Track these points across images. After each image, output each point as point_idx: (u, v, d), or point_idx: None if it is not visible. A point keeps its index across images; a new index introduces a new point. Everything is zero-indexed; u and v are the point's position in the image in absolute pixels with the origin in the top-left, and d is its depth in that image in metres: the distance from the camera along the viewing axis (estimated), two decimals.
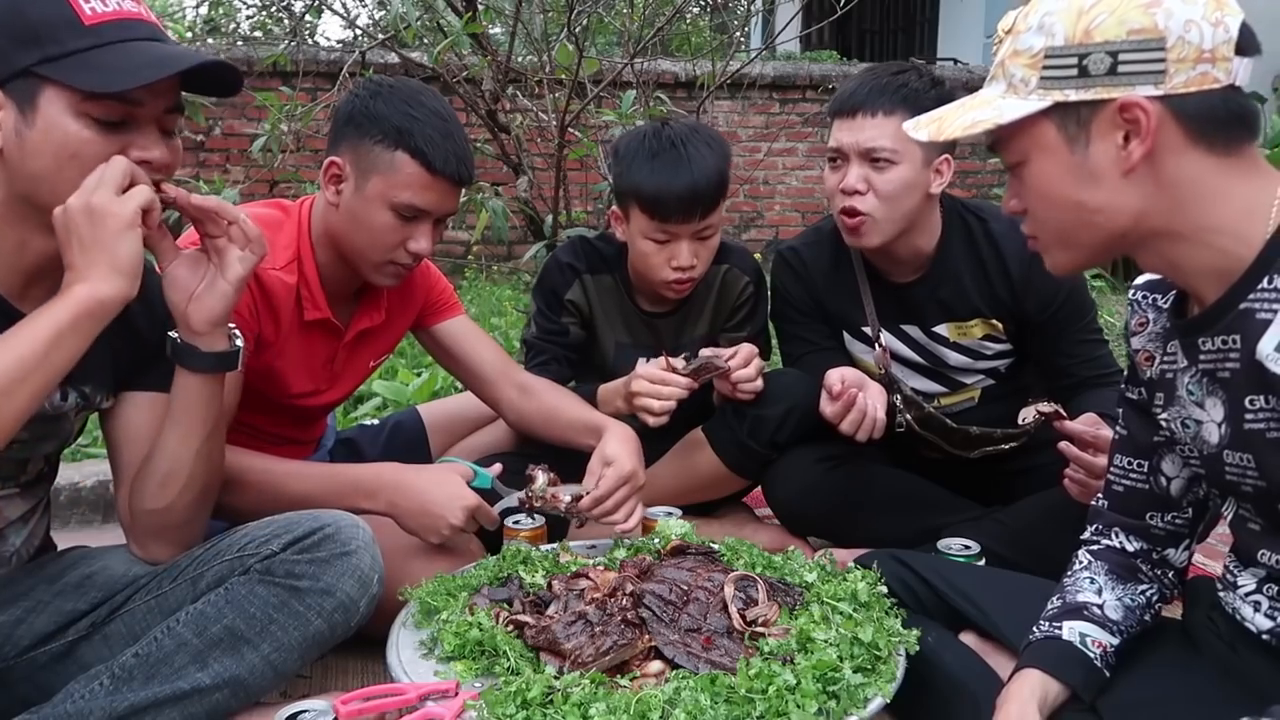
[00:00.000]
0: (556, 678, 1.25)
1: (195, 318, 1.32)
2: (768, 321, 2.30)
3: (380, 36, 5.30)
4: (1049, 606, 1.30)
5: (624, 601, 1.40)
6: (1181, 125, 1.03)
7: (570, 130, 4.15)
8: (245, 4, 7.42)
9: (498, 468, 1.80)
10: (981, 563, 1.68)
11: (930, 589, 1.49)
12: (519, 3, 4.37)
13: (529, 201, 4.68)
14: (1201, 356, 1.13)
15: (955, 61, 7.80)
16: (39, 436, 1.33)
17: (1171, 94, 1.02)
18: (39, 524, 1.43)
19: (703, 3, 7.58)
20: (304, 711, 1.25)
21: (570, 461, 1.85)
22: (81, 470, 2.67)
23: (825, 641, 1.29)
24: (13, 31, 1.15)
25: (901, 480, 2.12)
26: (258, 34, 7.44)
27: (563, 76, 4.19)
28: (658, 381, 1.95)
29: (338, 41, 7.41)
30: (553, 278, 2.18)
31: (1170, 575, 1.32)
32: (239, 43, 6.89)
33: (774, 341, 2.40)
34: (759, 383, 2.01)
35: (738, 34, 5.55)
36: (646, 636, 1.35)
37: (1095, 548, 1.34)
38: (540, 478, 1.76)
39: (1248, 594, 1.17)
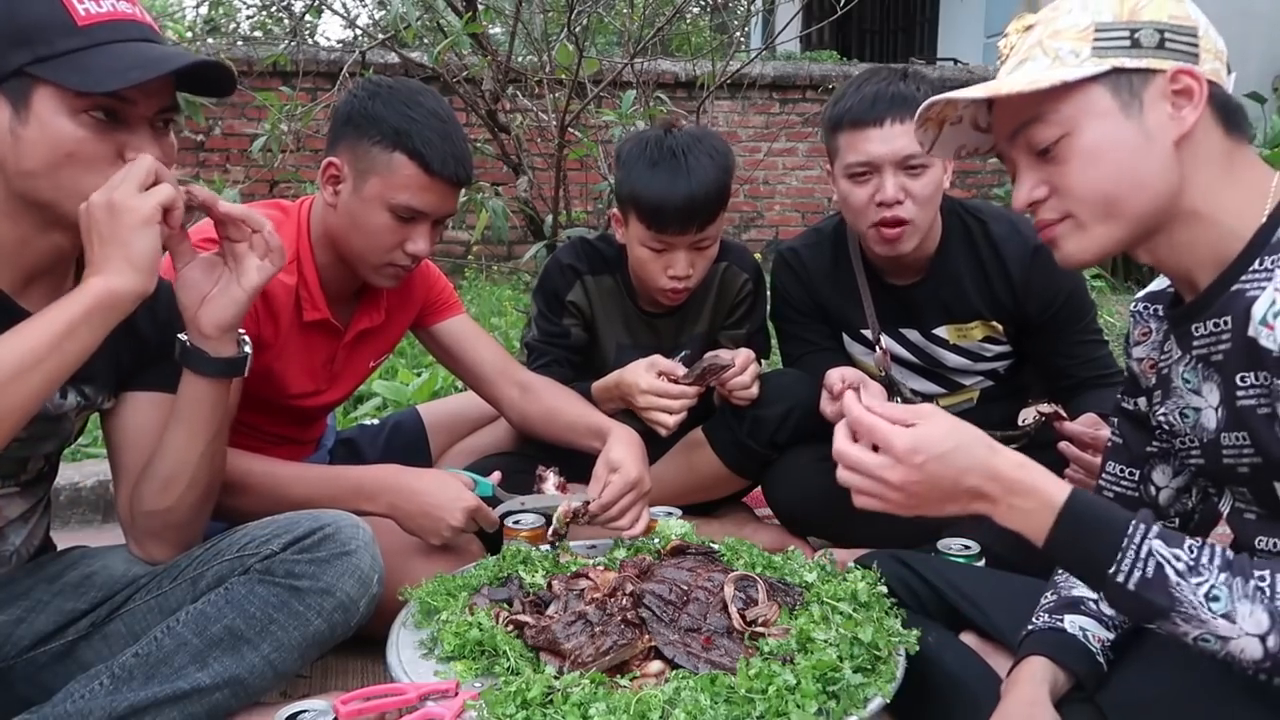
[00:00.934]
0: (556, 678, 1.24)
1: (206, 322, 1.32)
2: (766, 319, 2.29)
3: (380, 36, 5.30)
4: (1045, 600, 1.32)
5: (624, 601, 1.40)
6: (1214, 106, 1.10)
7: (570, 130, 4.14)
8: (245, 4, 7.41)
9: (497, 475, 1.80)
10: (981, 563, 1.68)
11: (930, 589, 1.49)
12: (519, 3, 4.36)
13: (529, 201, 4.67)
14: (1195, 343, 1.15)
15: (955, 61, 7.79)
16: (39, 436, 1.33)
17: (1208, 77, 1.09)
18: (39, 523, 1.44)
19: (703, 3, 7.57)
20: (304, 711, 1.25)
21: (576, 460, 1.85)
22: (81, 470, 2.67)
23: (825, 641, 1.29)
24: (6, 32, 1.16)
25: None
26: (258, 34, 7.43)
27: (563, 76, 4.19)
28: (664, 394, 1.94)
29: (338, 41, 7.42)
30: (554, 279, 2.18)
31: None
32: (239, 43, 6.88)
33: (773, 341, 2.40)
34: (754, 390, 2.01)
35: (738, 34, 5.54)
36: (646, 636, 1.35)
37: None
38: (550, 478, 1.77)
39: None
